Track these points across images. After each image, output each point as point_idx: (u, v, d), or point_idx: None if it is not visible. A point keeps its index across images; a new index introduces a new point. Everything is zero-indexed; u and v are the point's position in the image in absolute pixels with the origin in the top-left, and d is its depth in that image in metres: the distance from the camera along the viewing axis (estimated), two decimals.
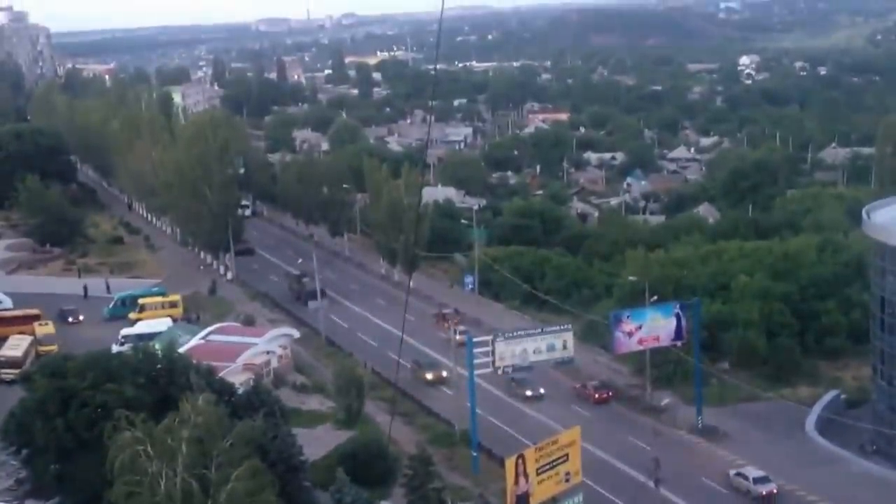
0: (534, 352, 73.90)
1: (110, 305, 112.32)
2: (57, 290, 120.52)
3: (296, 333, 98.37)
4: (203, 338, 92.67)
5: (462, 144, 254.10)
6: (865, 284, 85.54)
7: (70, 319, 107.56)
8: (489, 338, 73.87)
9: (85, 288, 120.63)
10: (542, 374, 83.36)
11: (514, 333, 75.20)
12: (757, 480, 67.07)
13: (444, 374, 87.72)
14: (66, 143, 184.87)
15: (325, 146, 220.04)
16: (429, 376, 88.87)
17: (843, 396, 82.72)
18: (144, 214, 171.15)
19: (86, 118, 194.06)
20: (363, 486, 55.07)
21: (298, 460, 59.56)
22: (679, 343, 79.41)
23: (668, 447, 72.89)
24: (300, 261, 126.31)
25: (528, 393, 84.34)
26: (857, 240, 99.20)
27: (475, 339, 73.33)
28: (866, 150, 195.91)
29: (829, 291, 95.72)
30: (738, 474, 68.42)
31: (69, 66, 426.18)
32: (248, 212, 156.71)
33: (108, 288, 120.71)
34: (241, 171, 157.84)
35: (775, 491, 66.51)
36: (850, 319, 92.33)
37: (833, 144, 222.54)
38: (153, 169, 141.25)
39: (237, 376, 79.68)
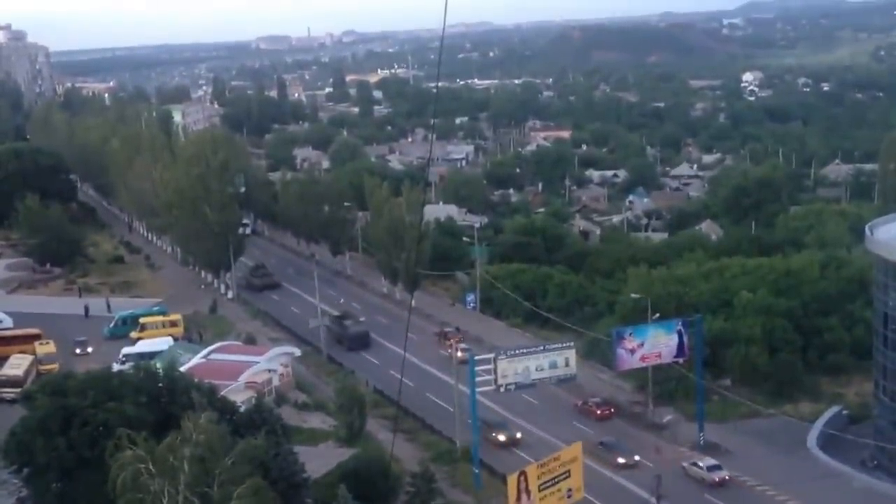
0: (536, 369, 73.86)
1: (111, 325, 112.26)
2: (57, 309, 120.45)
3: (297, 352, 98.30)
4: (204, 356, 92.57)
5: (464, 162, 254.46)
6: (868, 301, 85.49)
7: (78, 351, 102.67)
8: (491, 355, 73.80)
9: (86, 308, 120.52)
10: (544, 391, 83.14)
11: (517, 351, 75.14)
12: (710, 468, 71.85)
13: (518, 435, 79.52)
14: (65, 162, 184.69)
15: (325, 164, 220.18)
16: (501, 438, 78.98)
17: (845, 412, 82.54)
18: (145, 234, 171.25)
19: (85, 137, 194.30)
20: None
21: (300, 478, 59.43)
22: (681, 360, 79.34)
23: (702, 483, 72.05)
24: (341, 300, 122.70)
25: (621, 461, 74.56)
26: (860, 256, 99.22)
27: (477, 357, 73.24)
28: (869, 167, 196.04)
29: (831, 308, 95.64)
30: (693, 464, 72.88)
31: (68, 84, 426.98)
32: (247, 230, 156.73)
33: (108, 307, 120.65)
34: (242, 189, 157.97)
35: (727, 477, 71.24)
36: (853, 335, 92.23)
37: (836, 161, 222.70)
38: (153, 188, 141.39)
39: (239, 395, 79.59)
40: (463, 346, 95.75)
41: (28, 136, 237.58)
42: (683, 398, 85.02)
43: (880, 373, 74.43)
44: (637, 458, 74.40)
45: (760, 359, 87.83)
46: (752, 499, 69.98)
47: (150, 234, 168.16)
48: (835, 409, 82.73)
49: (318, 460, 71.26)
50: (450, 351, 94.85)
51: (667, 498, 60.69)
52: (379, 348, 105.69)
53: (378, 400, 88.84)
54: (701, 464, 72.78)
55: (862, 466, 72.91)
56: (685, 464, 73.42)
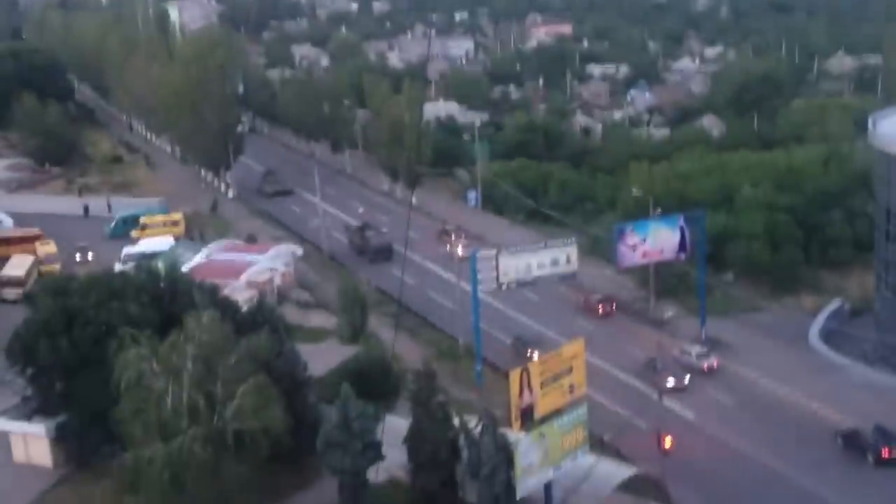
0: (537, 266, 73.75)
1: (112, 225, 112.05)
2: (57, 209, 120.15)
3: (299, 250, 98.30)
4: (206, 256, 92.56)
5: (463, 59, 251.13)
6: (870, 195, 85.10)
7: (78, 258, 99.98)
8: (493, 252, 73.62)
9: (86, 208, 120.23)
10: (546, 288, 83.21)
11: (518, 248, 74.96)
12: (699, 356, 73.50)
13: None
14: (62, 61, 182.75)
15: (324, 62, 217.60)
16: (535, 356, 71.37)
17: (846, 306, 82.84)
18: (144, 133, 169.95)
19: (82, 36, 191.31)
20: (368, 401, 55.18)
21: (303, 376, 59.63)
22: (683, 256, 79.27)
23: (691, 369, 72.82)
24: (361, 210, 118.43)
25: (671, 383, 69.62)
26: (863, 150, 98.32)
27: (478, 255, 73.09)
28: (873, 60, 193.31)
29: (833, 202, 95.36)
30: (683, 352, 74.27)
31: None
32: (245, 128, 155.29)
33: (109, 207, 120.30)
34: (240, 88, 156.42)
35: (716, 364, 72.80)
36: (855, 230, 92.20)
37: (840, 53, 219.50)
38: (151, 87, 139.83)
39: (241, 294, 79.60)
40: (464, 242, 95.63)
41: (24, 36, 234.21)
42: (685, 294, 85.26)
43: (882, 266, 74.47)
44: (687, 380, 70.45)
45: (762, 254, 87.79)
46: (739, 383, 70.67)
47: (148, 134, 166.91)
48: (836, 302, 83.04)
49: (321, 358, 71.60)
50: (451, 249, 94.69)
51: (669, 392, 61.21)
52: None
53: (380, 298, 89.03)
54: (691, 351, 74.28)
55: (863, 359, 73.37)
56: (675, 352, 74.55)
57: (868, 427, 60.65)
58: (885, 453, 58.34)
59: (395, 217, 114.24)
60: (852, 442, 60.80)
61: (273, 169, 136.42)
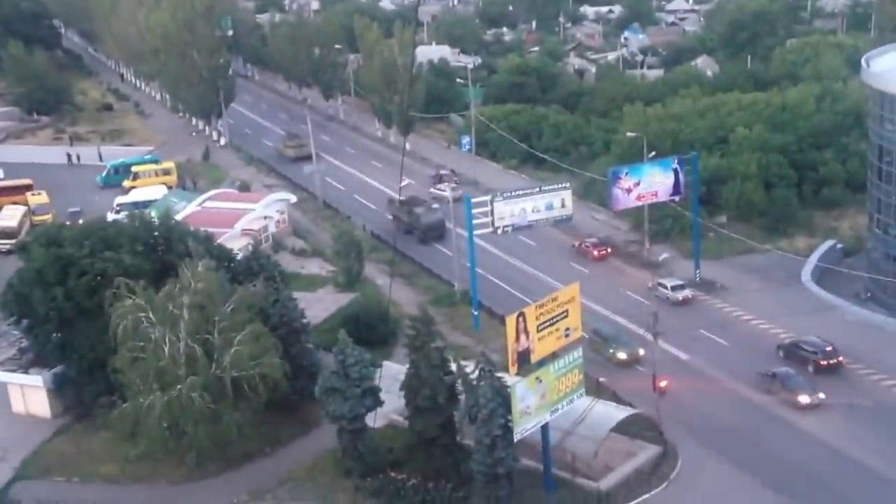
0: (532, 211, 73.62)
1: (103, 174, 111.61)
2: (47, 159, 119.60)
3: (293, 198, 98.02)
4: (199, 205, 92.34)
5: (455, 1, 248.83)
6: (863, 133, 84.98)
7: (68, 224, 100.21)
8: (488, 198, 73.51)
9: (73, 156, 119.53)
10: (541, 232, 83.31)
11: (513, 193, 74.81)
12: (674, 288, 75.12)
13: (641, 351, 65.90)
14: (48, 7, 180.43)
15: (315, 5, 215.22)
16: (621, 356, 66.17)
17: (839, 246, 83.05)
18: (133, 80, 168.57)
19: None
20: (365, 347, 55.46)
21: (300, 323, 59.87)
22: (677, 198, 79.22)
23: (667, 301, 73.53)
24: (405, 182, 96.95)
25: (804, 400, 59.62)
26: (856, 89, 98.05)
27: (473, 200, 72.96)
28: None
29: (827, 141, 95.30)
30: (658, 284, 75.76)
31: None
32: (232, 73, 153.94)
33: (100, 156, 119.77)
34: (230, 32, 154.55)
35: (690, 296, 74.59)
36: (848, 169, 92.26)
37: None
38: (139, 33, 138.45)
39: (235, 242, 79.64)
40: (452, 185, 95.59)
41: None
42: (679, 236, 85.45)
43: (874, 206, 74.48)
44: (822, 395, 60.10)
45: (756, 195, 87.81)
46: (732, 324, 71.20)
47: (138, 81, 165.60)
48: (829, 243, 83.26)
49: (318, 306, 71.99)
50: (446, 193, 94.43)
51: (664, 335, 61.43)
52: (373, 192, 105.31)
53: (375, 244, 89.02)
54: (666, 284, 75.60)
55: (855, 299, 73.74)
56: (650, 284, 75.60)
57: (807, 339, 65.20)
58: (822, 363, 63.31)
59: (389, 163, 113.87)
60: (793, 354, 64.78)
61: (295, 131, 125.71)
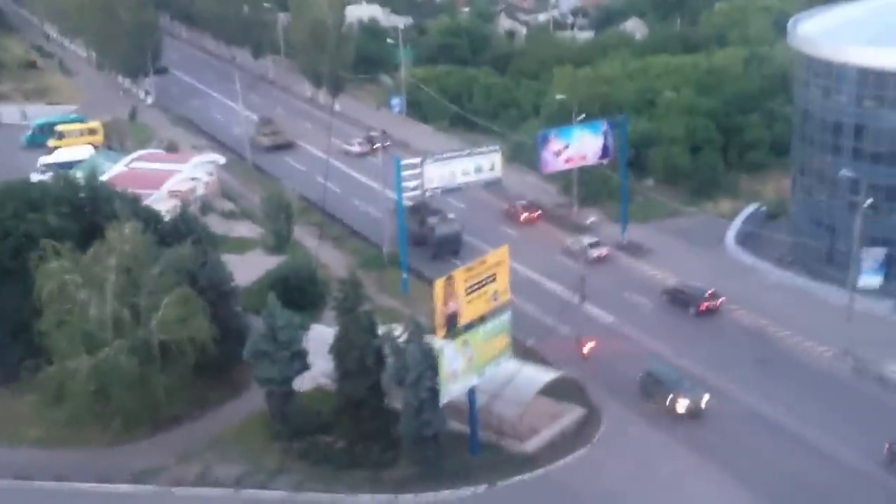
0: (462, 173, 73.86)
1: (28, 133, 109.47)
2: None
3: (221, 159, 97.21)
4: (126, 165, 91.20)
5: None
6: (789, 98, 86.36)
7: None
8: (418, 160, 73.55)
9: None
10: (472, 195, 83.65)
11: (443, 155, 74.93)
12: (591, 245, 76.81)
13: (706, 397, 56.33)
14: None
15: None
16: (681, 406, 55.84)
17: (763, 209, 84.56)
18: (57, 37, 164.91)
19: None
20: (295, 310, 55.49)
21: (229, 286, 59.65)
22: (606, 161, 79.92)
23: (594, 264, 74.46)
24: (428, 193, 74.14)
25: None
26: (783, 52, 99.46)
27: (403, 162, 72.96)
28: None
29: (753, 105, 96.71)
30: (573, 243, 77.28)
31: None
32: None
33: (24, 115, 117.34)
34: None
35: (605, 253, 76.84)
36: (773, 133, 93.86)
37: None
38: None
39: (163, 204, 78.84)
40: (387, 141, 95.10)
41: None
42: (607, 199, 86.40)
43: (798, 169, 75.90)
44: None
45: (682, 158, 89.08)
46: (638, 275, 74.02)
47: (64, 40, 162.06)
48: (753, 206, 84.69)
49: (247, 268, 71.53)
50: (376, 157, 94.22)
51: (590, 297, 62.35)
52: (303, 154, 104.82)
53: (305, 207, 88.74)
54: (582, 241, 76.70)
55: (778, 262, 75.20)
56: (568, 242, 77.85)
57: (689, 283, 69.83)
58: (702, 307, 67.74)
59: (318, 124, 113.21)
60: (676, 298, 69.03)
61: (269, 116, 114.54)
